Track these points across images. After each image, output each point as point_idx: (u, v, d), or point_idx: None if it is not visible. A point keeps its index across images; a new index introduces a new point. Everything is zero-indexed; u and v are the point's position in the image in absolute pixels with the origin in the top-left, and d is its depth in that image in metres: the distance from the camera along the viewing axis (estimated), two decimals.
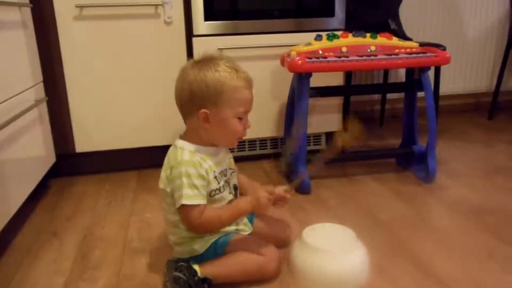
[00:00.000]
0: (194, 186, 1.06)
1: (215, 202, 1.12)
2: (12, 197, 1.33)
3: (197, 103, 1.07)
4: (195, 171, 1.06)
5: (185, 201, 1.05)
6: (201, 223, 1.07)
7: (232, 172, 1.20)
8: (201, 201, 1.07)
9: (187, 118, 1.13)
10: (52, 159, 1.75)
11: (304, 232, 1.18)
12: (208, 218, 1.08)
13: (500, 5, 2.63)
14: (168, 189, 1.10)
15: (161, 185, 1.12)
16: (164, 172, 1.12)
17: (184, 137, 1.14)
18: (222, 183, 1.13)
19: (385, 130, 2.50)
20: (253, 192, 1.13)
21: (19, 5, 1.50)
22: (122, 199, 1.67)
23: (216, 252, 1.13)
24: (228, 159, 1.19)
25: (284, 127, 1.90)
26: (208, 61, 1.09)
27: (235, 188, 1.20)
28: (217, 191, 1.12)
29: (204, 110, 1.07)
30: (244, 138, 1.15)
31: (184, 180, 1.05)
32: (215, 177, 1.11)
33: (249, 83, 1.11)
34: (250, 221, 1.25)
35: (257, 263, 1.11)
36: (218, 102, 1.07)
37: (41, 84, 1.68)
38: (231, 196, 1.16)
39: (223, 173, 1.15)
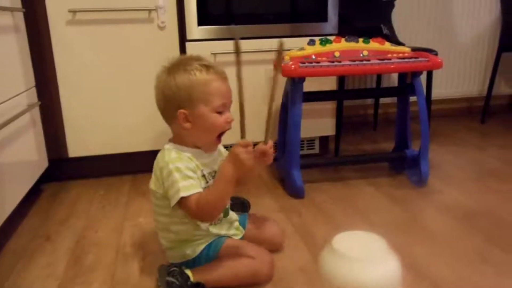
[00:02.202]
0: (188, 177, 1.06)
1: None
2: (4, 201, 1.32)
3: (173, 106, 1.08)
4: (183, 165, 1.06)
5: (183, 193, 1.04)
6: (200, 209, 1.05)
7: None
8: (197, 189, 1.06)
9: (170, 123, 1.14)
10: (44, 163, 1.74)
11: (335, 239, 1.15)
12: (203, 202, 1.05)
13: (491, 10, 2.66)
14: (160, 191, 1.10)
15: (152, 185, 1.13)
16: (154, 174, 1.12)
17: (171, 141, 1.15)
18: (210, 182, 1.13)
19: (378, 134, 2.51)
20: (231, 150, 1.06)
21: (12, 9, 1.49)
22: (115, 204, 1.66)
23: (208, 256, 1.13)
24: (219, 161, 1.18)
25: (278, 131, 1.90)
26: (178, 63, 1.10)
27: None
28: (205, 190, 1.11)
29: (181, 110, 1.08)
30: (233, 120, 1.13)
31: (176, 174, 1.05)
32: (203, 175, 1.11)
33: (221, 75, 1.10)
34: (243, 225, 1.25)
35: (250, 268, 1.11)
36: (192, 99, 1.07)
37: (34, 89, 1.67)
38: None
39: (211, 174, 1.14)
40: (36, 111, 1.68)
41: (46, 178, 1.80)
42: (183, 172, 1.06)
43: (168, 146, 1.13)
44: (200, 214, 1.07)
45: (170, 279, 1.03)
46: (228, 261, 1.11)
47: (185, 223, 1.12)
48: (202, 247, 1.13)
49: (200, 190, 1.07)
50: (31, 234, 1.45)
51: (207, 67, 1.09)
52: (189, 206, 1.05)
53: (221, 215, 1.18)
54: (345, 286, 1.07)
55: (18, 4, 1.58)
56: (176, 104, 1.08)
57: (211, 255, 1.13)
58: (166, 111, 1.12)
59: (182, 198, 1.04)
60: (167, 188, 1.07)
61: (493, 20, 2.68)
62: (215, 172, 1.15)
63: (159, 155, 1.13)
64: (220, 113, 1.09)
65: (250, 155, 1.05)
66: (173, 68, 1.09)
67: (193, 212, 1.06)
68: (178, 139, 1.14)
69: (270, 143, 1.14)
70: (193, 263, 1.12)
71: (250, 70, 1.85)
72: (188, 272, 1.07)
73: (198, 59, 1.11)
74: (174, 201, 1.05)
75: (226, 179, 1.05)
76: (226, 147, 1.25)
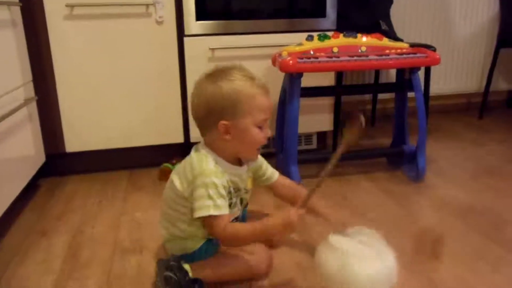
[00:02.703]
0: (221, 196, 1.04)
1: None
2: (1, 196, 1.32)
3: (215, 116, 1.05)
4: (220, 182, 1.04)
5: (214, 212, 1.03)
6: (224, 234, 1.05)
7: (246, 192, 1.18)
8: (227, 211, 1.06)
9: (206, 132, 1.11)
10: (42, 158, 1.74)
11: (332, 235, 1.16)
12: (231, 231, 1.05)
13: (489, 6, 2.66)
14: (186, 194, 1.07)
15: (177, 182, 1.09)
16: (184, 174, 1.09)
17: (203, 147, 1.12)
18: (234, 200, 1.12)
19: (376, 130, 2.51)
20: (285, 213, 1.06)
21: (8, 4, 1.48)
22: (112, 199, 1.66)
23: (207, 251, 1.13)
24: (247, 179, 1.17)
25: (276, 126, 1.90)
26: (221, 72, 1.08)
27: (245, 206, 1.20)
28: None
29: (223, 122, 1.05)
30: (270, 135, 1.13)
31: (211, 191, 1.03)
32: (230, 192, 1.10)
33: (265, 89, 1.09)
34: (242, 220, 1.25)
35: (248, 264, 1.11)
36: (237, 112, 1.05)
37: (31, 83, 1.67)
38: (238, 213, 1.16)
39: (236, 191, 1.13)
40: (33, 106, 1.68)
41: (43, 173, 1.80)
42: (219, 190, 1.04)
43: (205, 151, 1.09)
44: (222, 237, 1.07)
45: (169, 273, 1.03)
46: (227, 257, 1.11)
47: (193, 224, 1.11)
48: (202, 241, 1.13)
49: (227, 212, 1.06)
50: (27, 229, 1.44)
51: (252, 79, 1.07)
52: (215, 225, 1.04)
53: None
54: (341, 282, 1.08)
55: None
56: (219, 115, 1.05)
57: (211, 250, 1.13)
58: (205, 120, 1.08)
59: (210, 216, 1.03)
60: (196, 197, 1.05)
61: (491, 16, 2.67)
62: (241, 190, 1.14)
63: (195, 157, 1.09)
64: (260, 127, 1.08)
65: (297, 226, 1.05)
66: (218, 78, 1.06)
67: (216, 233, 1.06)
68: (212, 149, 1.10)
69: (301, 211, 1.09)
70: (192, 257, 1.12)
71: (248, 65, 1.83)
72: (187, 267, 1.07)
73: (241, 69, 1.09)
74: (198, 214, 1.04)
75: (267, 232, 1.07)
76: None
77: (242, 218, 1.26)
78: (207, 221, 1.06)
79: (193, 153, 1.12)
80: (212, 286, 1.10)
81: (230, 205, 1.10)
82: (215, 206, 1.03)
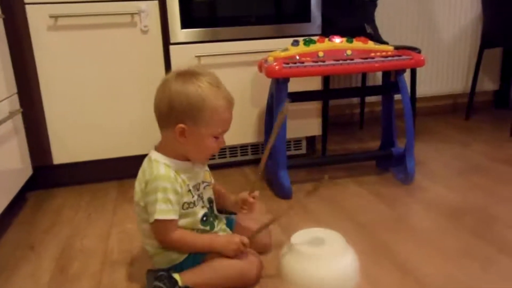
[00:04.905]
0: (169, 201, 1.05)
1: (187, 216, 1.11)
2: None
3: (176, 116, 1.06)
4: (170, 186, 1.06)
5: (158, 216, 1.05)
6: (174, 240, 1.08)
7: (206, 185, 1.19)
8: (174, 216, 1.07)
9: (164, 130, 1.12)
10: (28, 171, 1.72)
11: (293, 237, 1.18)
12: (181, 238, 1.09)
13: (472, 7, 2.69)
14: (142, 203, 1.09)
15: (136, 197, 1.11)
16: (138, 186, 1.11)
17: (159, 148, 1.13)
18: (195, 197, 1.13)
19: (365, 133, 2.52)
20: (232, 235, 1.16)
21: None
22: (102, 210, 1.64)
23: (195, 260, 1.12)
24: (203, 173, 1.18)
25: (264, 132, 1.90)
26: (191, 75, 1.08)
27: (210, 201, 1.20)
28: (191, 205, 1.11)
29: (181, 125, 1.06)
30: (225, 145, 1.15)
31: (159, 195, 1.05)
32: (189, 190, 1.11)
33: (230, 103, 1.10)
34: (230, 227, 1.25)
35: (238, 270, 1.10)
36: (197, 119, 1.06)
37: (16, 96, 1.65)
38: (204, 210, 1.16)
39: (196, 187, 1.14)
40: (19, 118, 1.66)
41: (30, 186, 1.77)
42: (167, 195, 1.05)
43: (156, 156, 1.10)
44: (167, 242, 1.09)
45: (158, 284, 1.02)
46: (216, 263, 1.10)
47: None
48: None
49: (177, 218, 1.08)
50: (15, 243, 1.42)
51: (219, 88, 1.08)
52: (162, 230, 1.07)
53: (208, 227, 1.17)
54: (303, 283, 1.09)
55: None
56: (178, 116, 1.06)
57: (198, 258, 1.12)
58: (165, 118, 1.09)
59: (157, 220, 1.05)
60: (147, 203, 1.07)
61: (474, 17, 2.71)
62: (199, 184, 1.15)
63: (146, 165, 1.11)
64: (216, 137, 1.10)
65: (239, 252, 1.10)
66: (187, 80, 1.06)
67: (162, 237, 1.08)
68: (167, 148, 1.11)
69: (256, 193, 1.21)
70: (180, 267, 1.11)
71: (234, 71, 1.85)
72: (177, 276, 1.06)
73: (211, 77, 1.09)
74: (151, 219, 1.06)
75: (210, 248, 1.11)
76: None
77: (228, 224, 1.25)
78: (153, 226, 1.07)
79: (145, 161, 1.13)
80: None
81: (194, 203, 1.11)
82: (160, 210, 1.05)
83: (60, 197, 1.77)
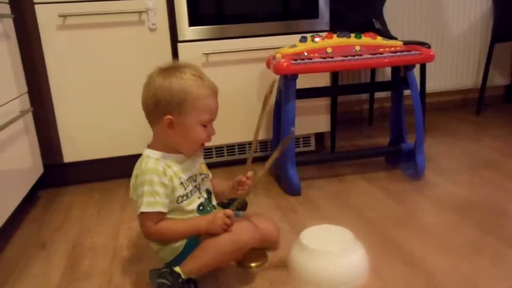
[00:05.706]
0: (156, 193, 1.07)
1: (183, 208, 1.12)
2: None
3: (162, 110, 1.09)
4: (157, 179, 1.07)
5: (144, 208, 1.06)
6: (155, 231, 1.09)
7: (204, 177, 1.20)
8: (161, 208, 1.08)
9: (153, 125, 1.14)
10: (39, 170, 1.74)
11: (302, 234, 1.18)
12: (162, 227, 1.09)
13: (482, 1, 2.66)
14: (134, 198, 1.11)
15: (130, 194, 1.14)
16: (131, 182, 1.13)
17: (151, 145, 1.15)
18: (190, 188, 1.14)
19: (374, 129, 2.51)
20: (215, 212, 1.14)
21: (1, 16, 1.48)
22: (111, 208, 1.66)
23: (192, 245, 1.11)
24: (198, 165, 1.20)
25: (272, 129, 1.90)
26: (174, 69, 1.10)
27: (208, 192, 1.21)
28: (184, 197, 1.12)
29: (168, 116, 1.08)
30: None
31: (146, 187, 1.06)
32: (181, 183, 1.12)
33: (213, 91, 1.12)
34: None
35: (228, 240, 1.08)
36: (182, 109, 1.08)
37: (26, 95, 1.66)
38: (200, 200, 1.16)
39: (192, 178, 1.15)
40: (29, 117, 1.68)
41: (42, 184, 1.79)
42: (153, 187, 1.06)
43: (148, 152, 1.13)
44: (152, 235, 1.11)
45: (161, 280, 1.03)
46: (207, 244, 1.09)
47: None
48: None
49: (164, 210, 1.09)
50: (26, 242, 1.44)
51: (202, 79, 1.10)
52: (146, 223, 1.08)
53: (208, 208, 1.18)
54: (313, 279, 1.09)
55: (7, 10, 1.57)
56: (165, 109, 1.08)
57: (195, 242, 1.11)
58: (152, 112, 1.12)
59: (142, 212, 1.06)
60: (137, 196, 1.09)
61: (485, 11, 2.68)
62: (195, 176, 1.17)
63: (137, 162, 1.14)
64: (205, 126, 1.11)
65: (226, 226, 1.08)
66: (170, 73, 1.09)
67: (148, 229, 1.09)
68: (158, 143, 1.14)
69: (250, 174, 1.21)
70: (183, 257, 1.11)
71: (242, 68, 1.85)
72: (178, 269, 1.07)
73: (194, 69, 1.11)
74: (137, 212, 1.08)
75: (194, 229, 1.11)
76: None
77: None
78: (141, 219, 1.09)
79: (139, 159, 1.14)
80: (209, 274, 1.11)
81: (187, 196, 1.12)
82: (146, 203, 1.06)
83: (70, 195, 1.79)
